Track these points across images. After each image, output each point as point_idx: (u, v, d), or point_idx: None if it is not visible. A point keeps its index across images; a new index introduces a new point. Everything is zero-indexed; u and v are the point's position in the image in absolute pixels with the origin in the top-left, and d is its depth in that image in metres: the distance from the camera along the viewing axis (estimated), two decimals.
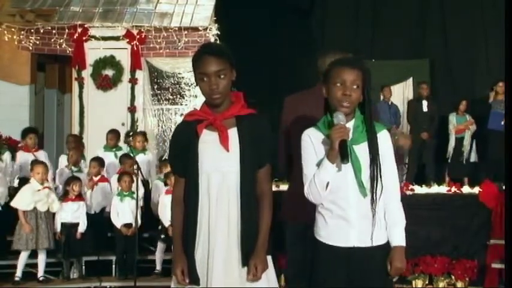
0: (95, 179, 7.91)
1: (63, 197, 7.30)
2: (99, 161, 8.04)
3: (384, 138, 2.94)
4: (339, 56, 3.40)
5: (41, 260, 7.02)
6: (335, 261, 2.89)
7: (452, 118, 10.27)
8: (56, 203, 7.11)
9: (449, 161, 10.22)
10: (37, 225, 6.92)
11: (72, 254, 7.22)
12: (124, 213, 7.38)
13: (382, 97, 10.72)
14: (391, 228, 2.91)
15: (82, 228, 7.20)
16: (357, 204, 2.86)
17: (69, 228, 7.15)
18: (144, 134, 9.00)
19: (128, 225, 7.31)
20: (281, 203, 3.75)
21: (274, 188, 7.25)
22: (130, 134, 9.18)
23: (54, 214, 7.15)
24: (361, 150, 2.87)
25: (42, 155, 8.31)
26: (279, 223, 3.55)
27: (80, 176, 7.82)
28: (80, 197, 7.32)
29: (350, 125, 2.90)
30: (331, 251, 2.90)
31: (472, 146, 10.35)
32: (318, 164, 2.87)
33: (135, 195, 7.40)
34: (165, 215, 7.18)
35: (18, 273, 6.95)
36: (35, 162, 7.54)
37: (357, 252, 2.87)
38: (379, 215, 2.88)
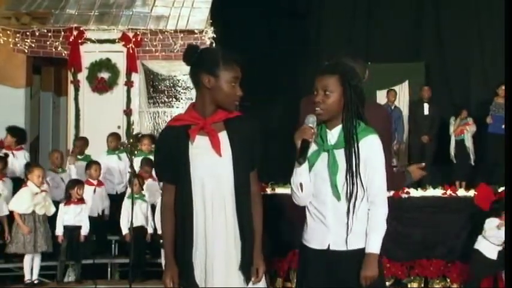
0: (94, 182, 7.87)
1: (66, 200, 7.26)
2: (99, 165, 8.02)
3: (370, 142, 2.91)
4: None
5: (36, 263, 6.98)
6: (314, 264, 2.93)
7: (453, 121, 10.23)
8: (52, 206, 7.10)
9: (455, 162, 10.12)
10: (35, 228, 6.89)
11: (74, 257, 7.20)
12: (136, 215, 7.33)
13: (386, 100, 10.67)
14: (368, 234, 2.88)
15: (85, 231, 7.19)
16: (334, 208, 2.89)
17: (72, 231, 7.13)
18: (150, 136, 8.93)
19: (139, 228, 7.21)
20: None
21: (269, 191, 7.28)
22: (139, 135, 9.16)
23: (50, 217, 7.12)
24: (342, 155, 2.88)
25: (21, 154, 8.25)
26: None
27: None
28: (82, 200, 7.30)
29: (336, 130, 2.92)
30: (310, 253, 2.95)
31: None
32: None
33: (145, 198, 7.39)
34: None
35: (27, 276, 6.91)
36: (33, 165, 7.50)
37: (334, 255, 2.89)
38: (357, 219, 2.87)
